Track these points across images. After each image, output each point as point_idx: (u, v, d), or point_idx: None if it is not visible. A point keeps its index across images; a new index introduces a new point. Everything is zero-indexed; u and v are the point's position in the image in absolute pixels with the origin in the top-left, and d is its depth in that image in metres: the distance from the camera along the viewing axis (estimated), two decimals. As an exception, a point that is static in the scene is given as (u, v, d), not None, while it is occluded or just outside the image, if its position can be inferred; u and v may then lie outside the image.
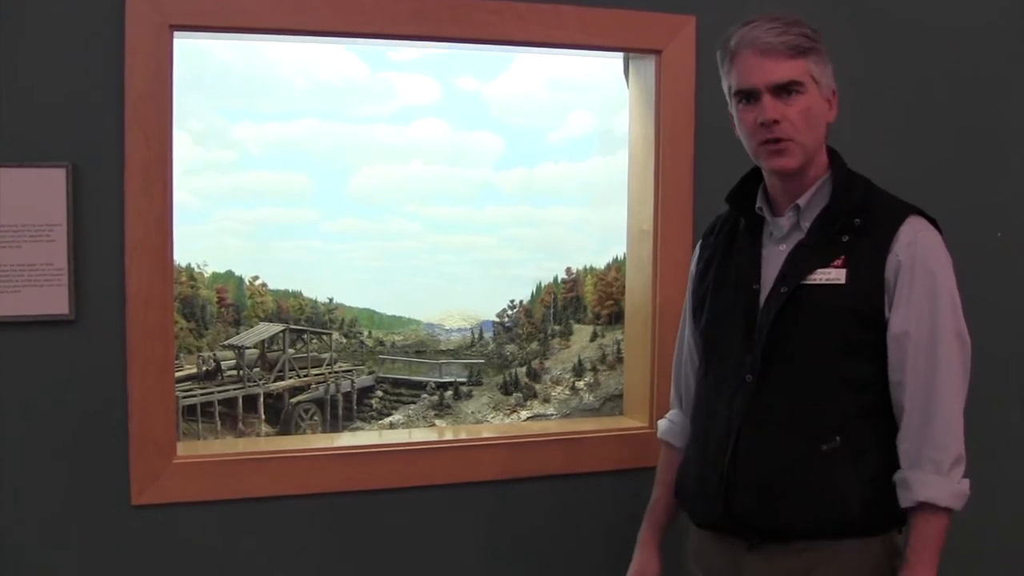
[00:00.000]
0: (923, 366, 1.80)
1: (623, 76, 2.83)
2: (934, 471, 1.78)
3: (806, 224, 1.91)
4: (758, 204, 1.99)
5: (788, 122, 1.84)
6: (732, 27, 1.91)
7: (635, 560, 2.18)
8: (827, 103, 1.89)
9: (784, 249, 1.92)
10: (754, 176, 2.03)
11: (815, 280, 1.84)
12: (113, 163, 2.25)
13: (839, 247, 1.85)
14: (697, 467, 2.02)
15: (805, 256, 1.87)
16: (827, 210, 1.89)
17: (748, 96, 1.87)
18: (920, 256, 1.82)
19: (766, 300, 1.89)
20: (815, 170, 1.92)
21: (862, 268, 1.83)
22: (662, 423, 2.26)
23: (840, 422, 1.84)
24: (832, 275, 1.83)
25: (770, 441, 1.87)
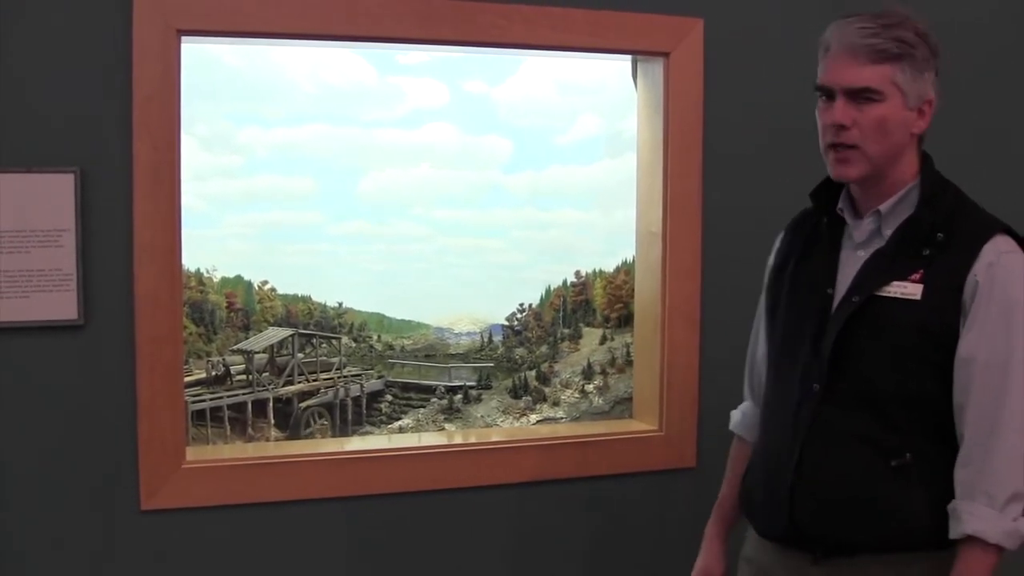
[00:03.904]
0: (990, 394, 1.72)
1: (631, 79, 2.83)
2: (987, 504, 1.70)
3: (887, 231, 1.84)
4: (840, 205, 1.92)
5: (858, 129, 1.77)
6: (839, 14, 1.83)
7: (701, 557, 2.14)
8: (915, 112, 1.81)
9: (863, 255, 1.85)
10: None
11: (890, 293, 1.78)
12: (121, 168, 2.26)
13: (919, 261, 1.77)
14: (763, 476, 1.96)
15: (882, 266, 1.81)
16: (911, 220, 1.81)
17: (826, 94, 1.80)
18: (1000, 279, 1.73)
19: (837, 307, 1.83)
20: (896, 177, 1.83)
21: (939, 286, 1.75)
22: (735, 414, 2.21)
23: (910, 439, 1.78)
24: (908, 289, 1.76)
25: (837, 454, 1.81)
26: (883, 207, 1.84)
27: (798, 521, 1.84)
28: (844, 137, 1.78)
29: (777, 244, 2.11)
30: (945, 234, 1.78)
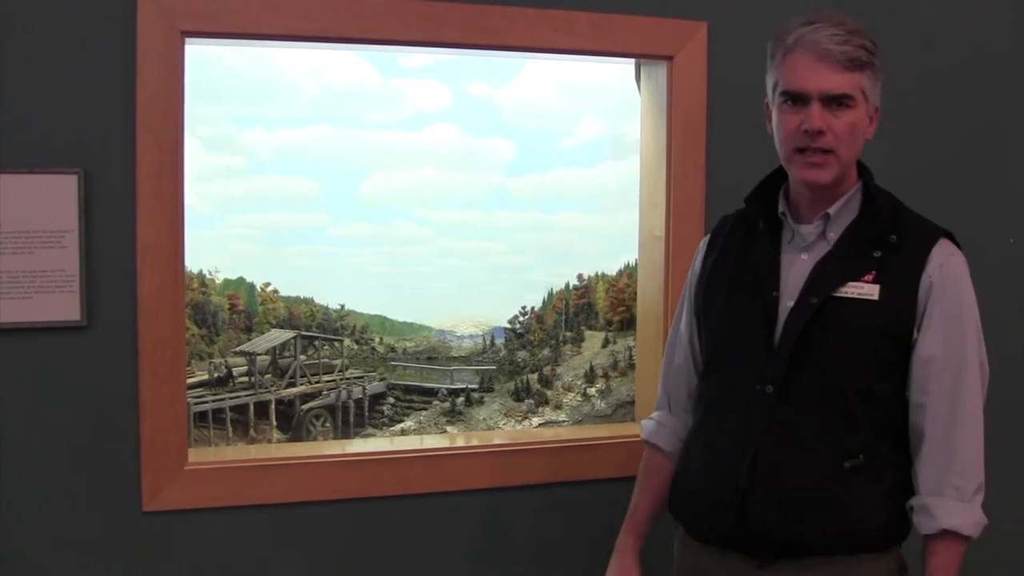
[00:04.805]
0: (947, 391, 1.78)
1: (635, 82, 2.83)
2: (957, 498, 1.76)
3: (832, 235, 1.86)
4: (781, 209, 1.93)
5: (833, 134, 1.78)
6: (791, 19, 1.83)
7: (613, 568, 2.13)
8: (869, 120, 1.84)
9: (807, 258, 1.87)
10: (774, 178, 1.97)
11: (846, 294, 1.80)
12: (125, 169, 2.25)
13: (870, 262, 1.81)
14: (705, 479, 1.94)
15: (835, 268, 1.83)
16: (858, 223, 1.86)
17: (795, 99, 1.79)
18: (950, 280, 1.80)
19: (792, 310, 1.83)
20: (845, 182, 1.87)
21: (895, 286, 1.79)
22: (647, 424, 2.18)
23: (865, 439, 1.81)
24: (865, 290, 1.79)
25: (793, 455, 1.82)
26: (832, 210, 1.86)
27: (750, 522, 1.83)
28: (821, 142, 1.79)
29: (703, 250, 2.11)
30: (898, 236, 1.83)
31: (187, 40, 2.29)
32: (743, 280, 1.94)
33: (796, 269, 1.87)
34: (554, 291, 3.54)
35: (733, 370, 1.93)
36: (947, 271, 1.80)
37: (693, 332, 2.08)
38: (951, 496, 1.76)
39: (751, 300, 1.91)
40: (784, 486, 1.82)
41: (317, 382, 3.47)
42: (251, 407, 3.34)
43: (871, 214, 1.85)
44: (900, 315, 1.79)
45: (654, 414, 2.19)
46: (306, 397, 3.45)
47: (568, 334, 3.54)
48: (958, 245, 1.87)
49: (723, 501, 1.87)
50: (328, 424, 3.52)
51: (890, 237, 1.82)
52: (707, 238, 2.12)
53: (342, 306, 3.45)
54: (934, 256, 1.80)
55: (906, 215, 1.88)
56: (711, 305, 2.01)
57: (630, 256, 3.16)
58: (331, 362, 3.50)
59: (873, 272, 1.81)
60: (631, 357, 3.21)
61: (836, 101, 1.78)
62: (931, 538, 1.78)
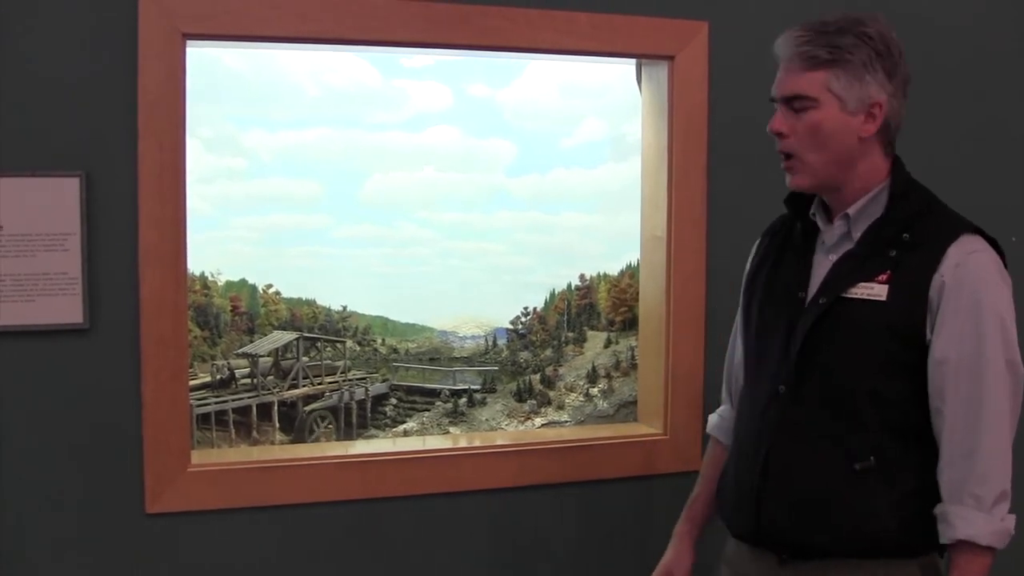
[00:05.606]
0: (965, 395, 1.72)
1: (636, 82, 2.83)
2: (975, 507, 1.70)
3: (857, 234, 1.84)
4: (812, 210, 1.93)
5: (795, 137, 1.79)
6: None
7: (668, 553, 2.14)
8: (862, 116, 1.79)
9: (833, 259, 1.86)
10: None
11: (856, 294, 1.78)
12: (126, 171, 2.26)
13: (886, 261, 1.78)
14: (733, 476, 1.98)
15: (850, 268, 1.81)
16: (877, 221, 1.83)
17: (775, 104, 1.83)
18: (968, 279, 1.73)
19: (805, 310, 1.84)
20: (859, 181, 1.83)
21: (906, 286, 1.75)
22: (712, 418, 2.22)
23: (875, 441, 1.78)
24: (874, 290, 1.77)
25: (802, 456, 1.82)
26: (851, 210, 1.85)
27: (764, 521, 1.85)
28: (782, 145, 1.82)
29: (754, 250, 2.12)
30: (911, 235, 1.79)
31: (188, 42, 2.30)
32: (778, 282, 1.96)
33: (822, 270, 1.87)
34: (556, 291, 3.53)
35: (761, 370, 1.94)
36: (964, 270, 1.73)
37: (742, 332, 2.11)
38: (970, 505, 1.70)
39: (781, 301, 1.92)
40: (795, 487, 1.82)
41: (320, 383, 3.46)
42: (254, 409, 3.34)
43: (891, 212, 1.82)
44: (910, 316, 1.75)
45: (719, 408, 2.22)
46: (309, 398, 3.44)
47: (570, 334, 3.53)
48: (991, 240, 1.81)
49: (744, 499, 1.90)
50: (331, 425, 3.51)
51: (903, 235, 1.79)
52: (760, 239, 2.12)
53: (344, 307, 3.44)
54: (950, 255, 1.74)
55: (932, 211, 1.84)
56: (751, 305, 2.03)
57: (632, 256, 3.16)
58: (333, 363, 3.50)
59: (888, 272, 1.77)
60: (633, 357, 3.21)
61: (794, 102, 1.79)
62: (951, 548, 1.73)
